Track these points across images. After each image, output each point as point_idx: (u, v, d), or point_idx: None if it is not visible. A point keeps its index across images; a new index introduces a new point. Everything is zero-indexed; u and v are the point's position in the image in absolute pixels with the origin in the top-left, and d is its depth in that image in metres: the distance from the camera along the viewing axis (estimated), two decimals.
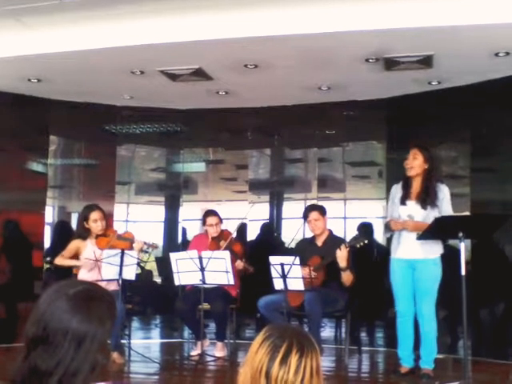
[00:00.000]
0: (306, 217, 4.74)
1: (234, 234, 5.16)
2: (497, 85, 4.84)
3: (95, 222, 4.64)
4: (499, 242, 4.96)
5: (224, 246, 4.83)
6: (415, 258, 4.06)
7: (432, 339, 4.07)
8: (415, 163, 4.07)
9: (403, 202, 4.11)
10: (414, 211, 4.07)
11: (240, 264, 4.81)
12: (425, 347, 4.09)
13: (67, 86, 5.33)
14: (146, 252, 4.78)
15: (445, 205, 4.05)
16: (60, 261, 4.68)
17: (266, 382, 1.25)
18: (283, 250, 5.82)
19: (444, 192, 4.08)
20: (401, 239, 4.12)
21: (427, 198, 4.04)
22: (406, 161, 4.11)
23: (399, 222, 4.07)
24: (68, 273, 4.76)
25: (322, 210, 4.75)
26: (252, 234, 6.23)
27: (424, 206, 4.04)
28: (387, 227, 4.22)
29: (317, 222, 4.68)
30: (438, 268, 4.06)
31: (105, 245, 4.57)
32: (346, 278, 4.46)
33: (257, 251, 5.66)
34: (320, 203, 5.32)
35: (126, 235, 4.75)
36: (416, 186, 4.11)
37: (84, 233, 4.69)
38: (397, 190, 4.22)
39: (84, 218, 4.69)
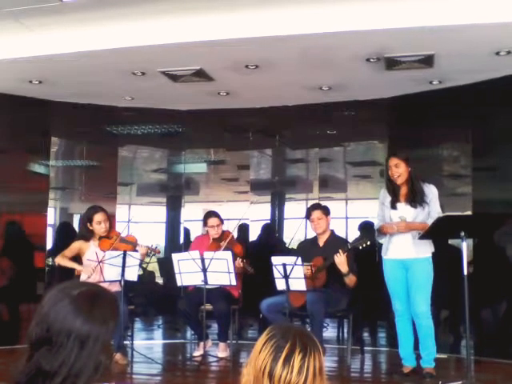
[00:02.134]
0: (308, 216, 4.75)
1: (235, 234, 5.16)
2: (498, 84, 4.84)
3: (99, 224, 4.65)
4: (501, 241, 4.95)
5: (224, 246, 4.83)
6: (407, 258, 4.09)
7: (430, 338, 4.07)
8: (400, 171, 4.13)
9: (393, 206, 4.15)
10: (404, 212, 4.11)
11: (239, 263, 4.78)
12: (424, 346, 4.10)
13: (68, 87, 5.34)
14: (149, 256, 4.82)
15: (433, 204, 4.09)
16: (60, 260, 4.66)
17: (269, 382, 1.25)
18: (285, 250, 5.82)
19: (432, 192, 4.13)
20: (392, 239, 4.15)
21: (416, 197, 4.09)
22: (390, 171, 4.15)
23: (391, 226, 4.09)
24: (70, 274, 4.76)
25: (325, 210, 4.77)
26: (254, 234, 6.23)
27: (414, 205, 4.09)
28: (379, 231, 4.23)
29: (319, 221, 4.69)
30: (430, 266, 4.08)
31: (108, 247, 4.58)
32: (349, 281, 4.47)
33: (258, 251, 5.65)
34: (322, 203, 5.32)
35: (129, 238, 4.76)
36: (403, 188, 4.17)
37: (87, 234, 4.70)
38: (385, 193, 4.24)
39: (88, 219, 4.69)
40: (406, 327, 4.15)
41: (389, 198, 4.19)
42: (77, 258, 4.77)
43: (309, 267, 4.39)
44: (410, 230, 4.05)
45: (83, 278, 4.59)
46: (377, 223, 4.30)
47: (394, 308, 4.20)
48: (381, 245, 5.76)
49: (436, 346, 4.12)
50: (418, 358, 4.19)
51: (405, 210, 4.11)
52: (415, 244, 4.04)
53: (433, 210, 4.06)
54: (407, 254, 4.08)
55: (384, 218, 4.21)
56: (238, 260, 4.76)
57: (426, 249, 4.09)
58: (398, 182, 4.14)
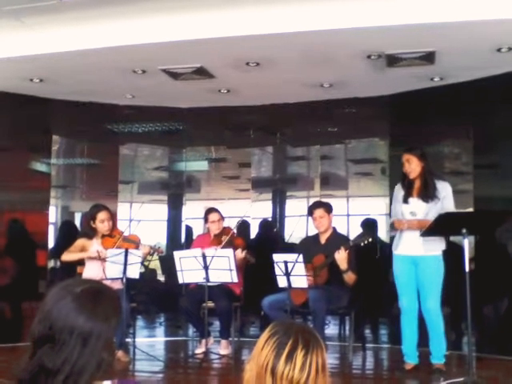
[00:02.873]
0: (311, 213, 4.74)
1: (235, 231, 5.16)
2: (499, 80, 4.83)
3: (102, 222, 4.65)
4: (502, 238, 4.95)
5: (225, 240, 4.81)
6: (417, 255, 4.08)
7: (440, 334, 4.07)
8: (412, 167, 4.13)
9: (405, 200, 4.15)
10: (416, 208, 4.10)
11: (240, 253, 4.72)
12: (434, 342, 4.09)
13: (69, 85, 5.33)
14: (151, 256, 4.83)
15: (446, 202, 4.07)
16: (67, 256, 4.68)
17: (272, 378, 1.25)
18: (285, 247, 5.82)
19: (446, 189, 4.10)
20: (402, 235, 4.14)
21: (427, 192, 4.07)
22: (404, 168, 4.16)
23: (403, 222, 4.09)
24: (73, 272, 4.77)
25: (327, 208, 4.74)
26: (255, 232, 6.23)
27: (425, 200, 4.08)
28: (392, 227, 4.22)
29: (322, 220, 4.68)
30: (440, 264, 4.06)
31: (111, 245, 4.59)
32: (348, 278, 4.46)
33: (259, 248, 5.65)
34: (324, 200, 5.32)
35: (132, 237, 4.76)
36: (417, 183, 4.16)
37: (90, 232, 4.70)
38: (399, 189, 4.25)
39: (91, 217, 4.70)
40: (411, 324, 4.14)
41: (402, 193, 4.19)
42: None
43: (309, 271, 4.37)
44: (422, 228, 4.02)
45: (87, 271, 4.60)
46: (391, 219, 4.29)
47: (400, 304, 4.19)
48: (382, 242, 5.79)
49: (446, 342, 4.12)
50: (421, 355, 4.18)
51: (417, 205, 4.10)
52: (424, 241, 4.02)
53: (446, 207, 4.03)
54: (416, 251, 4.07)
55: (396, 213, 4.20)
56: (239, 250, 4.73)
57: (436, 246, 4.06)
58: (411, 176, 4.14)
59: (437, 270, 4.05)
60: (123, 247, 4.53)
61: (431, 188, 4.08)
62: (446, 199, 4.07)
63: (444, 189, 4.10)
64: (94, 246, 4.67)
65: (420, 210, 4.08)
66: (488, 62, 4.58)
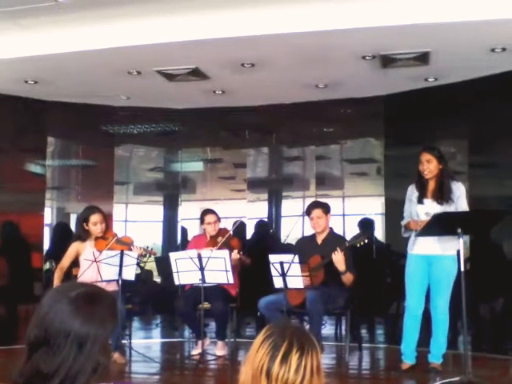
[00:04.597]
0: (308, 213, 4.73)
1: (232, 232, 5.16)
2: (493, 80, 4.85)
3: (95, 225, 4.63)
4: (498, 237, 4.97)
5: (221, 241, 4.81)
6: (432, 254, 4.06)
7: (443, 334, 4.06)
8: (431, 167, 4.08)
9: (420, 200, 4.13)
10: (431, 209, 4.08)
11: (235, 255, 4.70)
12: (435, 341, 4.08)
13: (64, 87, 5.33)
14: (144, 257, 4.81)
15: (460, 202, 4.05)
16: (57, 273, 4.65)
17: (267, 380, 1.25)
18: (281, 247, 5.83)
19: (460, 189, 4.10)
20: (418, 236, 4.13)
21: (443, 195, 4.06)
22: (421, 166, 4.11)
23: (419, 223, 4.08)
24: (68, 274, 4.76)
25: (325, 208, 4.73)
26: (251, 232, 6.24)
27: (440, 202, 4.05)
28: (406, 227, 4.20)
29: (319, 220, 4.67)
30: (454, 264, 4.02)
31: (103, 247, 4.57)
32: (346, 279, 4.46)
33: (254, 249, 5.66)
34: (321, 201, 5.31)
35: (125, 239, 4.75)
36: (432, 184, 4.13)
37: (83, 235, 4.69)
38: (412, 189, 4.23)
39: (84, 219, 4.68)
40: (414, 325, 4.12)
41: (416, 194, 4.17)
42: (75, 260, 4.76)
43: (305, 270, 4.36)
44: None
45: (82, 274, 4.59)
46: (404, 219, 4.27)
47: (406, 303, 4.17)
48: (378, 242, 5.80)
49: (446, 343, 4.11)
50: (418, 355, 4.17)
51: (431, 206, 4.09)
52: (440, 240, 4.01)
53: (459, 207, 4.02)
54: (432, 250, 4.06)
55: (411, 213, 4.19)
56: (235, 252, 4.72)
57: (452, 245, 4.03)
58: (426, 176, 4.10)
59: (450, 270, 4.02)
60: (116, 249, 4.52)
61: (446, 190, 4.05)
62: (460, 199, 4.06)
63: (458, 189, 4.08)
64: (88, 248, 4.65)
65: (434, 211, 4.03)
66: (482, 63, 4.60)
